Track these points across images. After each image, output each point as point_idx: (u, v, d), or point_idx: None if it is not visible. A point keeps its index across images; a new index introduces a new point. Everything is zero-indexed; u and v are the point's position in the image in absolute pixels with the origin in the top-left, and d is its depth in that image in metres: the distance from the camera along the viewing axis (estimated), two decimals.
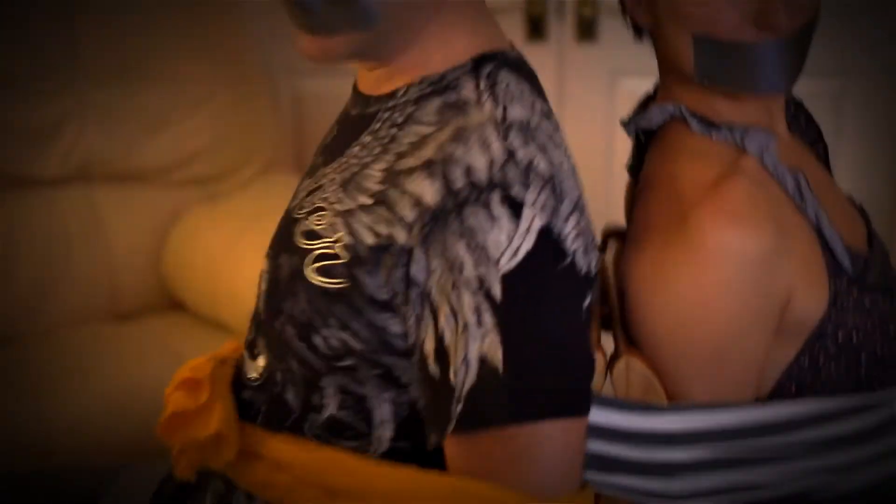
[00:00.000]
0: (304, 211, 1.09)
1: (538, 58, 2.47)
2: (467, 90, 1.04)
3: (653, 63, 1.21)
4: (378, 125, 1.08)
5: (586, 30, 2.53)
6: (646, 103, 1.26)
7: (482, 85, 1.05)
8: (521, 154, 0.98)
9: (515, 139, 0.99)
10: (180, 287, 2.30)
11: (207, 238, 2.25)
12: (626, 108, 2.49)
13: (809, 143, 1.30)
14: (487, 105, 1.03)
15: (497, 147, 0.98)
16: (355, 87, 1.16)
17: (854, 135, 2.48)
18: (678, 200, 1.08)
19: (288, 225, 1.11)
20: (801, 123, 1.31)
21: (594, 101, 2.59)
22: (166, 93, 2.34)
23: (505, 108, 1.03)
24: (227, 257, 2.17)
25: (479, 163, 0.97)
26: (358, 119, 1.12)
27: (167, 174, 2.37)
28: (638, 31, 1.22)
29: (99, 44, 2.27)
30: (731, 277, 1.03)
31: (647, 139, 1.22)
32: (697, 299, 1.04)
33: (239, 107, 2.44)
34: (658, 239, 1.07)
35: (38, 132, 2.23)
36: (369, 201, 1.01)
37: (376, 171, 1.03)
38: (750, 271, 1.02)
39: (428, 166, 0.98)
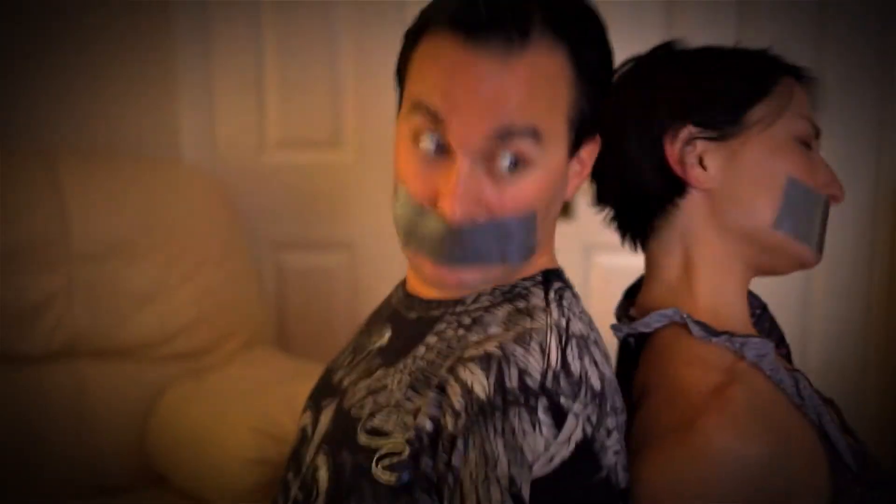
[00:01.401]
0: (367, 410, 1.12)
1: None
2: (537, 299, 1.11)
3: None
4: (444, 326, 1.12)
5: (565, 208, 2.61)
6: (627, 302, 1.32)
7: (551, 296, 1.12)
8: (576, 366, 1.03)
9: (573, 351, 1.05)
10: (165, 462, 2.28)
11: (192, 413, 2.25)
12: (599, 280, 2.56)
13: (776, 345, 1.34)
14: (554, 314, 1.08)
15: (555, 356, 1.03)
16: (406, 291, 1.21)
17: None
18: (683, 406, 1.11)
19: (347, 424, 1.14)
20: (766, 326, 1.36)
21: (570, 274, 2.64)
22: (154, 269, 2.37)
23: (569, 321, 1.09)
24: (213, 432, 2.17)
25: (535, 367, 1.01)
26: (418, 322, 1.16)
27: (152, 349, 2.38)
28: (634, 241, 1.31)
29: (91, 219, 2.31)
30: (733, 481, 1.06)
31: (637, 341, 1.26)
32: (703, 500, 1.07)
33: (225, 283, 2.48)
34: (666, 443, 1.10)
35: (26, 310, 2.24)
36: (432, 392, 1.05)
37: (443, 370, 1.07)
38: (751, 476, 1.06)
39: (486, 359, 1.03)
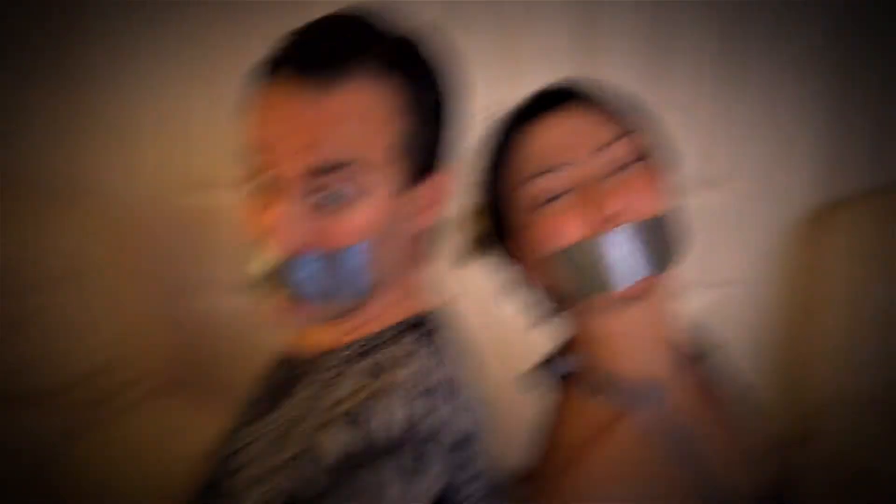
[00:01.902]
0: (239, 461, 1.13)
1: None
2: (399, 348, 1.12)
3: None
4: (310, 380, 1.15)
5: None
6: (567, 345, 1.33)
7: (415, 345, 1.13)
8: (440, 415, 1.05)
9: (437, 400, 1.06)
10: None
11: (98, 462, 2.23)
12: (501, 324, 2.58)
13: (709, 386, 1.34)
14: (415, 364, 1.10)
15: (420, 405, 1.05)
16: (280, 352, 1.24)
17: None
18: (556, 461, 1.15)
19: (222, 472, 1.15)
20: (702, 367, 1.36)
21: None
22: (63, 312, 2.33)
23: (432, 369, 1.10)
24: (119, 482, 2.16)
25: (398, 418, 1.03)
26: (291, 376, 1.18)
27: (57, 396, 2.35)
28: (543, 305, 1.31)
29: None
30: None
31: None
32: None
33: (137, 326, 2.46)
34: (547, 488, 1.14)
35: None
36: (298, 452, 1.06)
37: (306, 426, 1.08)
38: None
39: (350, 417, 1.04)
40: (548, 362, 1.30)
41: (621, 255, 1.17)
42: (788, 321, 2.69)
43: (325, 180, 1.07)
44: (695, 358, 1.34)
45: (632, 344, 1.23)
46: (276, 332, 1.25)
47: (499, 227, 1.26)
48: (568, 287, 1.20)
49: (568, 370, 1.24)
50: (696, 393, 1.29)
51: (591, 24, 2.55)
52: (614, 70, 2.52)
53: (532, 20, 2.51)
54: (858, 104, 2.65)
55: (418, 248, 1.18)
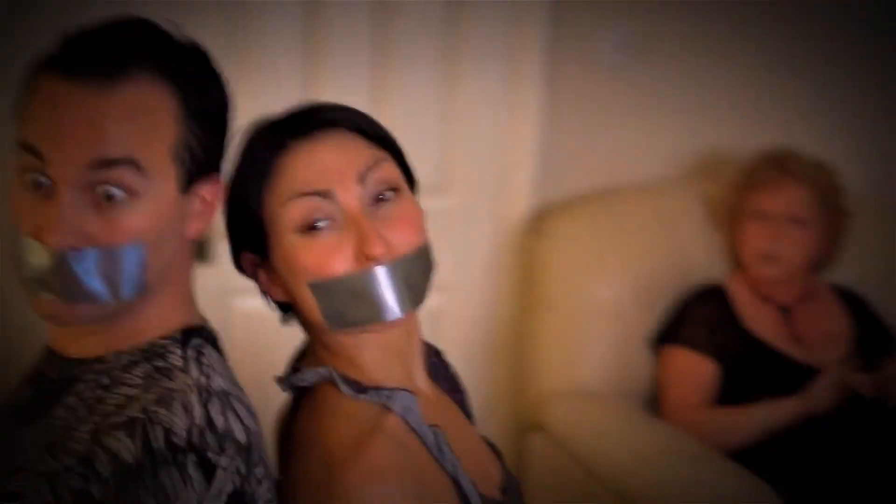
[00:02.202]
0: (6, 469, 1.10)
1: None
2: (174, 358, 1.13)
3: None
4: (82, 386, 1.12)
5: (200, 251, 2.64)
6: (299, 357, 1.33)
7: (189, 354, 1.14)
8: (220, 421, 1.06)
9: (215, 407, 1.08)
10: None
11: None
12: (242, 326, 2.60)
13: (449, 391, 1.39)
14: (193, 373, 1.11)
15: (198, 413, 1.06)
16: (49, 348, 1.20)
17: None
18: (325, 462, 1.14)
19: None
20: (442, 372, 1.41)
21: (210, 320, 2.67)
22: None
23: (208, 378, 1.11)
24: None
25: (180, 426, 1.04)
26: (58, 381, 1.15)
27: None
28: (283, 310, 1.31)
29: None
30: None
31: (299, 395, 1.28)
32: None
33: None
34: (314, 497, 1.14)
35: None
36: (73, 461, 1.05)
37: (83, 433, 1.07)
38: None
39: (130, 424, 1.04)
40: (294, 371, 1.31)
41: (388, 288, 1.19)
42: (512, 319, 2.84)
43: (102, 176, 1.07)
44: (432, 361, 1.39)
45: (385, 357, 1.26)
46: (42, 332, 1.23)
47: (252, 241, 1.25)
48: (330, 314, 1.20)
49: (320, 379, 1.24)
50: (438, 394, 1.34)
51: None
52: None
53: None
54: (571, 111, 2.84)
55: (188, 255, 1.19)
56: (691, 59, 2.93)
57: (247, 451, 1.07)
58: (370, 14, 2.60)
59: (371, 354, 1.24)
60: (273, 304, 1.31)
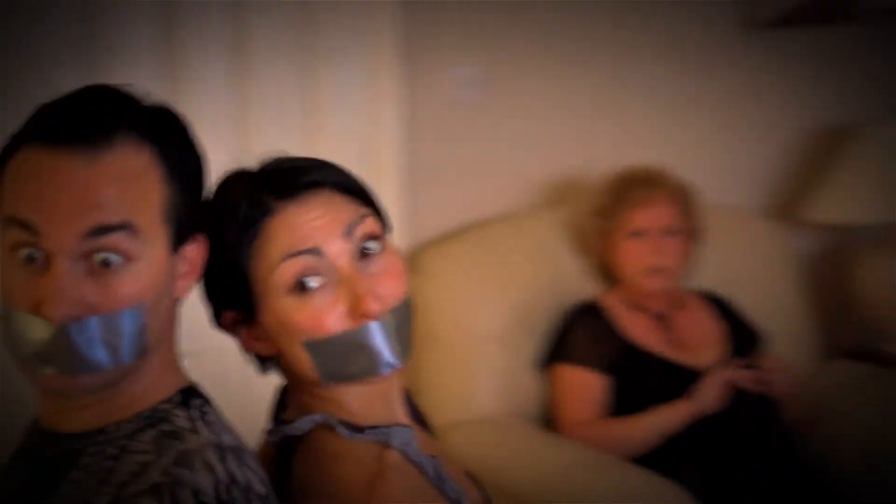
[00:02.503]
0: None
1: None
2: (180, 420, 1.13)
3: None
4: (88, 460, 1.11)
5: None
6: (278, 406, 1.34)
7: (194, 415, 1.14)
8: (240, 476, 1.07)
9: (232, 463, 1.08)
10: None
11: None
12: None
13: (420, 424, 1.42)
14: (204, 432, 1.11)
15: (220, 470, 1.06)
16: (40, 427, 1.18)
17: None
18: (346, 501, 1.17)
19: None
20: (410, 408, 1.43)
21: None
22: None
23: (218, 435, 1.12)
24: None
25: (206, 485, 1.04)
26: (57, 458, 1.13)
27: None
28: (262, 362, 1.32)
29: None
30: None
31: (290, 443, 1.28)
32: None
33: None
34: None
35: None
36: None
37: None
38: None
39: (156, 490, 1.03)
40: (281, 421, 1.31)
41: (383, 342, 1.22)
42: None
43: (99, 243, 1.07)
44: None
45: (370, 400, 1.28)
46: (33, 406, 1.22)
47: (236, 301, 1.26)
48: (326, 371, 1.23)
49: (314, 425, 1.26)
50: (419, 428, 1.38)
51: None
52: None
53: None
54: (431, 148, 2.92)
55: (174, 317, 1.20)
56: (543, 91, 3.05)
57: (267, 501, 1.09)
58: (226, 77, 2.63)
59: (356, 399, 1.27)
60: (252, 358, 1.32)
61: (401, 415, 1.32)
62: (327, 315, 1.21)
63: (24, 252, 1.08)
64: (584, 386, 2.59)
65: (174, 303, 1.18)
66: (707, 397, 2.45)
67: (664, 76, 3.20)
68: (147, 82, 2.45)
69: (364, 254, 1.24)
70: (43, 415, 1.19)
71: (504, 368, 2.68)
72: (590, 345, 2.62)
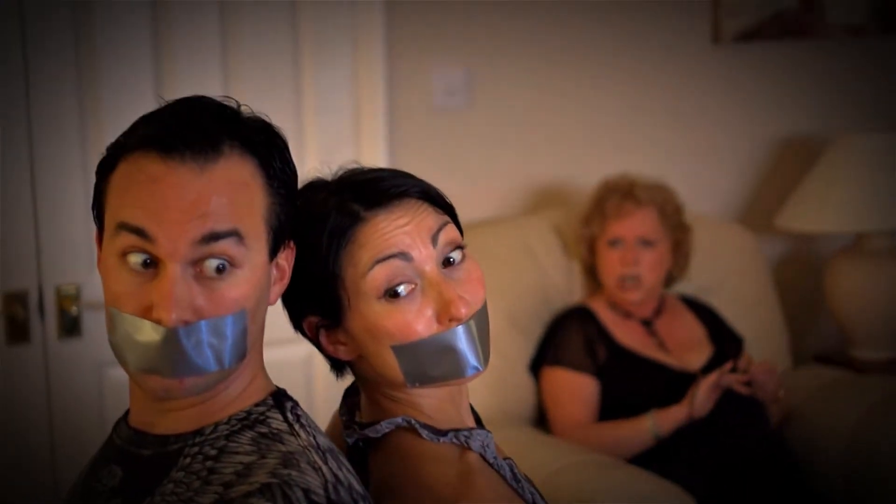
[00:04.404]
0: None
1: (24, 359, 2.47)
2: (276, 422, 1.15)
3: None
4: (188, 460, 1.13)
5: (71, 327, 2.58)
6: (349, 403, 1.36)
7: (290, 418, 1.16)
8: (342, 476, 1.10)
9: (333, 464, 1.11)
10: None
11: None
12: (115, 396, 2.54)
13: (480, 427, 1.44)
14: (302, 434, 1.14)
15: (326, 470, 1.09)
16: (131, 427, 1.20)
17: None
18: (435, 500, 1.20)
19: None
20: (475, 412, 1.44)
21: (85, 393, 2.61)
22: None
23: (315, 437, 1.14)
24: None
25: (315, 485, 1.06)
26: (155, 458, 1.15)
27: None
28: (338, 367, 1.35)
29: None
30: None
31: (364, 444, 1.31)
32: None
33: None
34: None
35: None
36: None
37: None
38: None
39: (266, 490, 1.05)
40: (358, 424, 1.33)
41: (468, 345, 1.25)
42: None
43: (209, 250, 1.10)
44: None
45: (443, 402, 1.31)
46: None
47: (321, 306, 1.28)
48: (412, 374, 1.25)
49: (394, 427, 1.28)
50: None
51: None
52: None
53: None
54: (414, 155, 2.91)
55: (264, 322, 1.21)
56: (526, 97, 3.10)
57: (367, 500, 1.12)
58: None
59: (432, 401, 1.30)
60: (329, 361, 1.34)
61: (468, 417, 1.35)
62: (416, 320, 1.23)
63: (135, 258, 1.10)
64: (576, 389, 2.63)
65: (266, 309, 1.20)
66: (700, 401, 2.49)
67: (640, 88, 3.28)
68: (136, 80, 2.53)
69: (447, 262, 1.27)
70: (135, 416, 1.21)
71: (498, 372, 2.69)
72: (580, 348, 2.67)
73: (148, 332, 1.09)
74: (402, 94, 2.91)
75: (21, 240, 2.52)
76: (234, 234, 1.11)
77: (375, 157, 2.82)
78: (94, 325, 2.59)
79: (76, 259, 2.56)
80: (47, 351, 2.58)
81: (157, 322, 1.08)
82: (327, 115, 2.80)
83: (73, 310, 2.57)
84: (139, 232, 1.09)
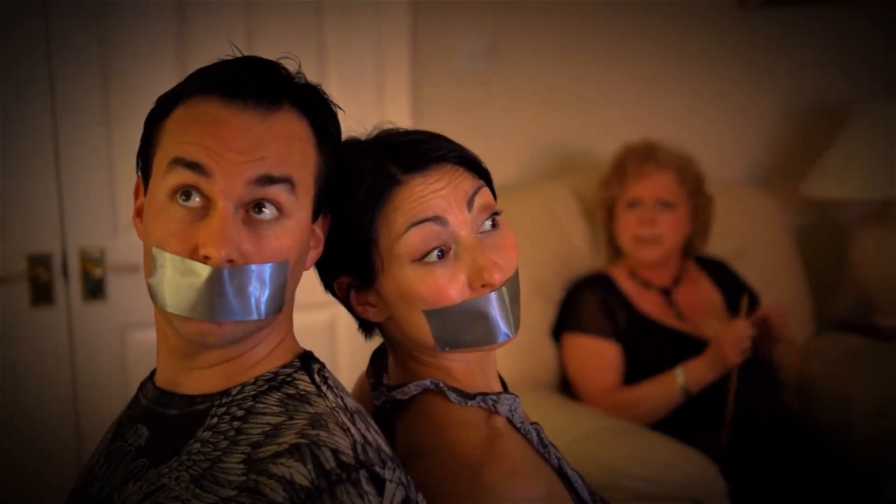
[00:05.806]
0: None
1: (48, 321, 2.48)
2: (304, 384, 1.15)
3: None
4: (215, 420, 1.13)
5: (95, 289, 2.59)
6: (377, 366, 1.36)
7: (317, 380, 1.16)
8: (370, 437, 1.10)
9: (361, 425, 1.11)
10: None
11: None
12: (138, 359, 2.56)
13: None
14: (330, 396, 1.14)
15: (354, 431, 1.09)
16: (158, 388, 1.20)
17: None
18: (460, 464, 1.19)
19: None
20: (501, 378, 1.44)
21: (108, 357, 2.63)
22: None
23: (342, 399, 1.14)
24: None
25: (344, 445, 1.06)
26: (182, 418, 1.16)
27: None
28: (367, 328, 1.34)
29: None
30: None
31: (391, 406, 1.31)
32: None
33: None
34: (453, 499, 1.17)
35: None
36: (233, 492, 1.05)
37: (234, 463, 1.08)
38: None
39: (296, 450, 1.05)
40: (386, 385, 1.33)
41: (500, 311, 1.24)
42: None
43: (262, 192, 1.11)
44: None
45: (472, 367, 1.31)
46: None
47: (355, 268, 1.28)
48: (443, 338, 1.25)
49: (422, 390, 1.28)
50: None
51: None
52: None
53: None
54: (436, 119, 2.90)
55: (296, 286, 1.21)
56: (550, 62, 3.07)
57: (396, 461, 1.11)
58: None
59: (461, 365, 1.29)
60: (358, 322, 1.34)
61: (495, 383, 1.34)
62: (450, 285, 1.22)
63: (186, 193, 1.11)
64: (600, 354, 2.63)
65: (302, 271, 1.20)
66: (725, 352, 2.45)
67: (664, 53, 3.25)
68: (160, 46, 2.52)
69: (482, 230, 1.26)
70: (161, 375, 1.21)
71: (522, 337, 2.67)
72: (604, 315, 2.66)
73: (193, 272, 1.09)
74: (426, 58, 2.90)
75: (45, 202, 2.53)
76: (288, 181, 1.12)
77: (400, 120, 2.78)
78: (118, 288, 2.61)
79: (100, 222, 2.57)
80: (71, 313, 2.60)
81: (205, 260, 1.08)
82: (352, 79, 2.79)
83: (97, 272, 2.58)
84: (196, 167, 1.10)
